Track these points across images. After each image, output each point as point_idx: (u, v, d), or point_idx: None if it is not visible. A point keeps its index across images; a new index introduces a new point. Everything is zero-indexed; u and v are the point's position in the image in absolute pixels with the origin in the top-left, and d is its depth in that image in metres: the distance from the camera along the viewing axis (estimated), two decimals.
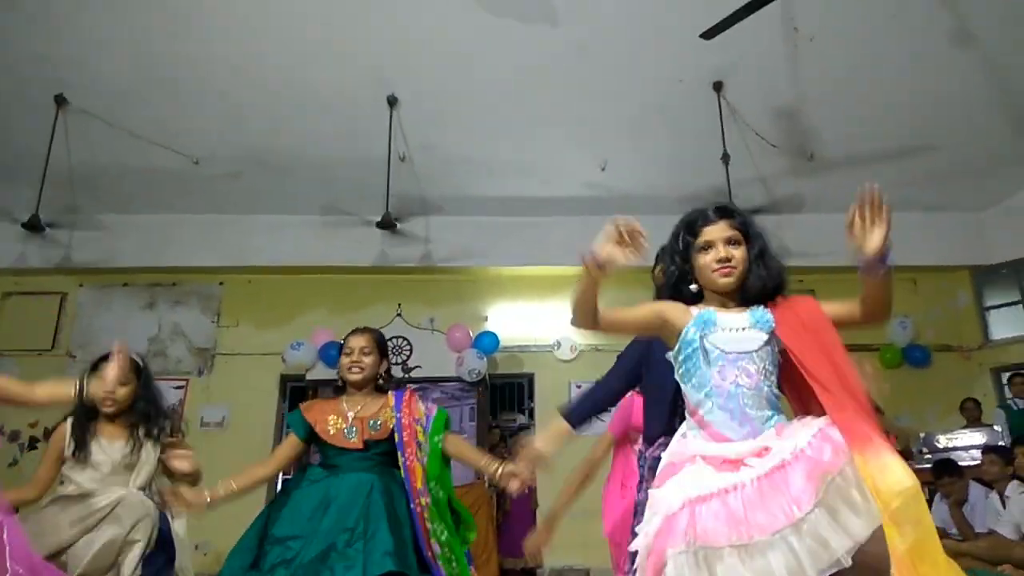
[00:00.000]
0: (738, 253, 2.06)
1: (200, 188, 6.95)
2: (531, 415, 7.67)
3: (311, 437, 2.93)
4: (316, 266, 7.44)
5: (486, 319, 7.72)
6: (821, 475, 1.72)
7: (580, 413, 2.62)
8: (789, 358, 1.99)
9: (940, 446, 6.14)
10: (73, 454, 2.87)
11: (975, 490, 5.30)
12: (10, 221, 6.01)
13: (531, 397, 7.75)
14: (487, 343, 7.33)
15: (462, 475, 5.61)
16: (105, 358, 2.80)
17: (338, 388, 3.06)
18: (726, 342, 1.99)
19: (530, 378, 7.74)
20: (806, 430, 1.84)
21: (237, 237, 7.38)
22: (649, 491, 1.97)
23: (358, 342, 3.02)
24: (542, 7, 4.83)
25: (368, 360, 2.99)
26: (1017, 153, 6.54)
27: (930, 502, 5.59)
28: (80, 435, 2.90)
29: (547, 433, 2.64)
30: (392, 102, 5.73)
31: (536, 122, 6.08)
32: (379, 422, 2.91)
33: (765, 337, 2.00)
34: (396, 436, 2.89)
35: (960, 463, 5.60)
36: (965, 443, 6.03)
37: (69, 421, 2.95)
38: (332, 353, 7.14)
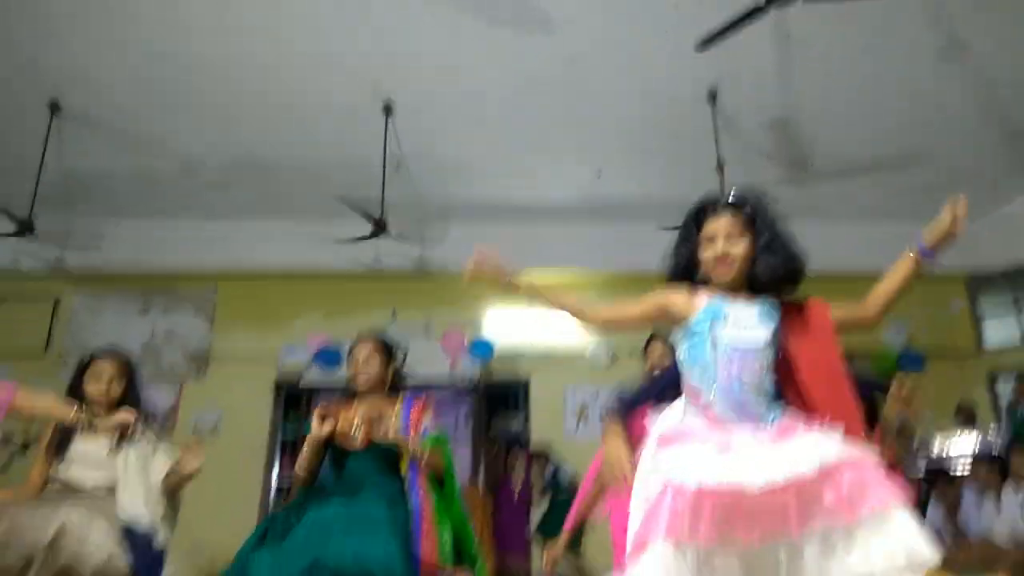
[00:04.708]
0: (738, 249, 2.07)
1: (194, 193, 6.94)
2: (527, 420, 7.66)
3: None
4: (310, 271, 7.44)
5: (481, 325, 7.72)
6: (842, 514, 1.73)
7: (622, 412, 2.48)
8: (787, 356, 2.04)
9: (934, 452, 6.16)
10: (57, 452, 2.89)
11: (969, 496, 5.32)
12: (3, 224, 5.99)
13: (527, 402, 7.74)
14: (482, 350, 7.34)
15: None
16: (93, 359, 3.02)
17: (354, 392, 3.11)
18: (734, 338, 2.01)
19: (525, 384, 7.74)
20: (831, 446, 1.83)
21: (231, 242, 7.37)
22: (649, 452, 1.96)
23: (360, 352, 3.09)
24: (538, 17, 4.84)
25: (372, 368, 3.06)
26: (1010, 162, 6.58)
27: (924, 508, 5.61)
28: (64, 434, 2.92)
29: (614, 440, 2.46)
30: (388, 109, 5.73)
31: (531, 130, 6.09)
32: (383, 429, 2.95)
33: (769, 334, 2.03)
34: (403, 416, 3.00)
35: (953, 469, 5.63)
36: (959, 448, 6.05)
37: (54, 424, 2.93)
38: (327, 358, 7.13)
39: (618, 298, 2.40)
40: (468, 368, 7.09)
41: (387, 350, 3.16)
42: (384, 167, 5.98)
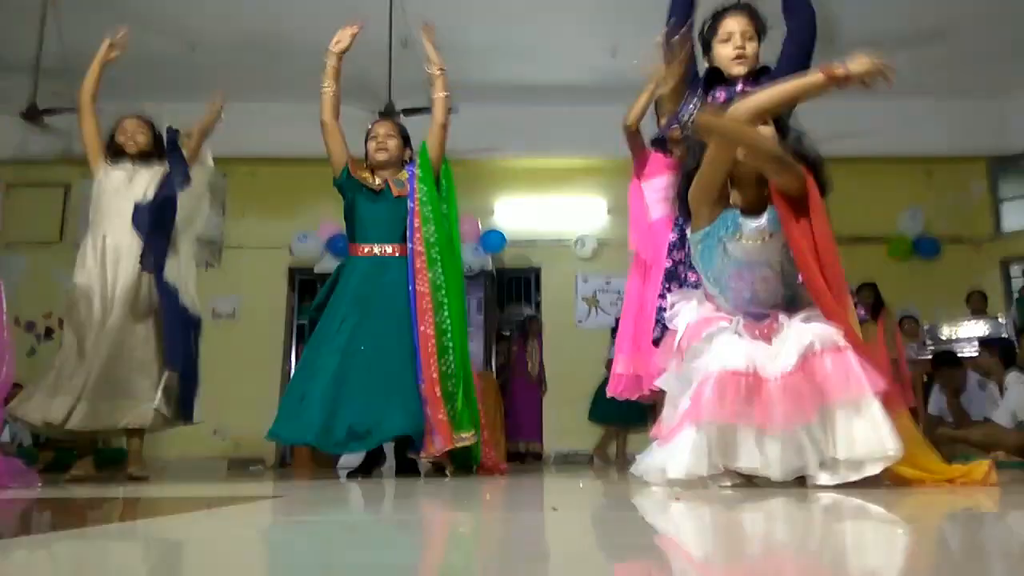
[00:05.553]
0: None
1: (198, 75, 6.74)
2: (538, 308, 7.74)
3: (343, 185, 3.45)
4: (320, 157, 7.33)
5: (492, 212, 7.67)
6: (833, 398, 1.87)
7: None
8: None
9: (943, 337, 6.20)
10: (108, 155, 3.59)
11: (973, 380, 5.39)
12: (9, 111, 5.90)
13: (538, 290, 7.80)
14: (493, 241, 7.29)
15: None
16: (119, 121, 3.69)
17: (371, 166, 3.49)
18: (747, 251, 2.08)
19: (537, 272, 7.77)
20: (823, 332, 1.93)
21: (238, 126, 7.15)
22: (686, 348, 2.10)
23: (382, 128, 3.49)
24: None
25: (392, 143, 3.42)
26: None
27: (928, 392, 5.71)
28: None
29: None
30: None
31: (545, 5, 5.83)
32: (403, 183, 3.38)
33: (783, 241, 2.07)
34: (408, 183, 3.36)
35: (962, 353, 5.67)
36: (968, 334, 6.08)
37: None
38: (339, 244, 7.15)
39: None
40: (471, 259, 7.09)
41: (404, 134, 3.51)
42: (390, 47, 5.79)
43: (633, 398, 3.34)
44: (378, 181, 3.39)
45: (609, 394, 3.43)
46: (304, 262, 7.35)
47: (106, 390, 3.00)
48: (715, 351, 1.96)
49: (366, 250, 3.35)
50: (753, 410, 1.86)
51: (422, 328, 3.12)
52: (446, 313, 3.18)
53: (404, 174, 3.42)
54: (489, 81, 6.91)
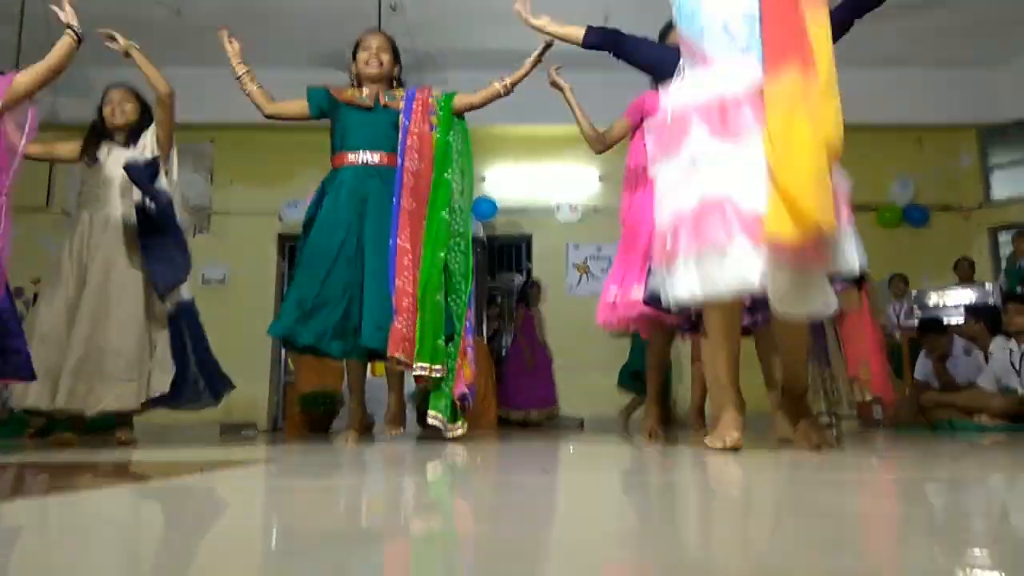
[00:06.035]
0: None
1: (185, 40, 6.66)
2: (529, 275, 7.75)
3: (325, 111, 3.33)
4: (308, 125, 7.25)
5: (483, 179, 7.64)
6: None
7: (601, 35, 2.82)
8: None
9: (931, 304, 6.25)
10: (83, 159, 3.53)
11: (959, 346, 5.45)
12: None
13: (529, 258, 7.80)
14: (485, 209, 7.27)
15: None
16: (104, 92, 3.61)
17: (354, 86, 3.36)
18: None
19: (528, 239, 7.77)
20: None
21: (225, 92, 7.07)
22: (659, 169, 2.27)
23: (376, 40, 3.32)
24: None
25: (386, 57, 3.29)
26: None
27: (915, 358, 5.77)
28: (92, 143, 3.54)
29: (564, 27, 2.95)
30: None
31: None
32: (394, 96, 3.26)
33: None
34: (405, 103, 3.26)
35: (949, 319, 5.73)
36: (955, 301, 6.14)
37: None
38: None
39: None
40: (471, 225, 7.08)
41: (396, 49, 3.37)
42: (380, 10, 5.71)
43: (599, 322, 3.34)
44: (366, 92, 3.28)
45: (599, 322, 3.43)
46: (293, 229, 7.27)
47: (84, 371, 3.07)
48: (685, 182, 2.11)
49: (351, 158, 3.27)
50: (719, 232, 2.00)
51: (400, 242, 3.10)
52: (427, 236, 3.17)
53: (399, 92, 3.31)
54: (479, 48, 6.83)
